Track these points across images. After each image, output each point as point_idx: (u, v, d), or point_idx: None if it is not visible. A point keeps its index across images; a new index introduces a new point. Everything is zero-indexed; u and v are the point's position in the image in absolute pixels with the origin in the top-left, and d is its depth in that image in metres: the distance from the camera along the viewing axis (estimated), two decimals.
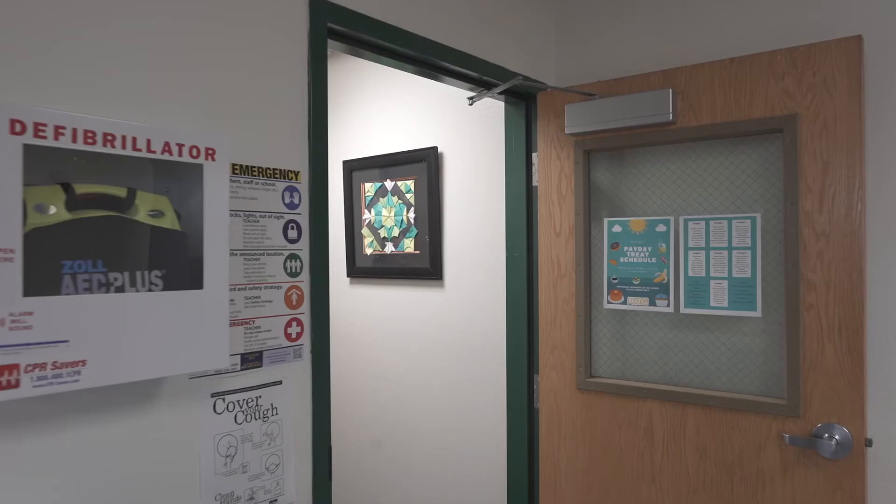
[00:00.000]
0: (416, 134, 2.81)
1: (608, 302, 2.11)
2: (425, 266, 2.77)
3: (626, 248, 2.07)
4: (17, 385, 0.89)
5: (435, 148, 2.72)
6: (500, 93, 2.17)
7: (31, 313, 0.91)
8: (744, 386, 1.88)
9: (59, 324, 0.93)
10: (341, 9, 1.58)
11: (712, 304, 1.90)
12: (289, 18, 1.48)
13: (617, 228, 2.09)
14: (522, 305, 2.33)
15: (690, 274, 1.94)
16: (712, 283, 1.90)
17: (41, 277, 0.92)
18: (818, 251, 1.73)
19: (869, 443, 1.66)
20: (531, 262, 2.31)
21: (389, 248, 2.89)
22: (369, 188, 2.97)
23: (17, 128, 0.89)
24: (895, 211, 1.73)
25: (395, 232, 2.87)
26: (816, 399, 1.72)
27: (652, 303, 2.01)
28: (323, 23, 1.54)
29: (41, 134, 0.92)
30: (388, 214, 2.89)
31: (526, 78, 2.15)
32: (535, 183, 2.30)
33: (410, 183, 2.81)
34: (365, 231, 2.99)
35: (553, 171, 2.21)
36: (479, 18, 2.02)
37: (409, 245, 2.82)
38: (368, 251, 2.98)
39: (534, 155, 2.30)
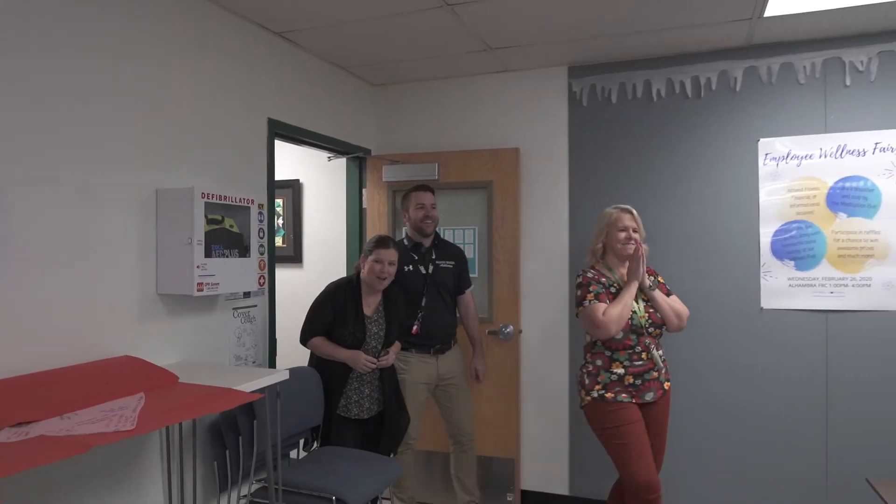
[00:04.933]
0: (284, 169, 4.39)
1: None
2: (290, 254, 4.36)
3: None
4: (203, 290, 2.42)
5: (298, 179, 4.33)
6: (349, 158, 3.89)
7: (206, 264, 2.43)
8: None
9: (213, 268, 2.46)
10: (281, 122, 3.18)
11: None
12: (259, 131, 3.05)
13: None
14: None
15: None
16: None
17: (208, 250, 2.44)
18: (502, 245, 3.72)
19: (521, 332, 3.70)
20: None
21: None
22: None
23: (201, 195, 2.42)
24: (532, 229, 3.78)
25: None
26: (500, 313, 3.72)
27: None
28: (273, 131, 3.13)
29: (206, 197, 2.44)
30: None
31: (364, 151, 3.90)
32: (364, 206, 4.04)
33: (281, 201, 4.38)
34: None
35: (374, 200, 3.98)
36: (338, 118, 3.72)
37: (279, 241, 4.39)
38: None
39: (363, 190, 4.04)
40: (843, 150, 3.20)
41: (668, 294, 2.89)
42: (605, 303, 2.73)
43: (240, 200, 2.64)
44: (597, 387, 2.76)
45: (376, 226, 3.98)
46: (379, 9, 2.83)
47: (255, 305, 3.03)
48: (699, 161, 3.45)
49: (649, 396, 2.77)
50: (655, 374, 2.77)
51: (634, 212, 2.89)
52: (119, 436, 1.58)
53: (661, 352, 2.81)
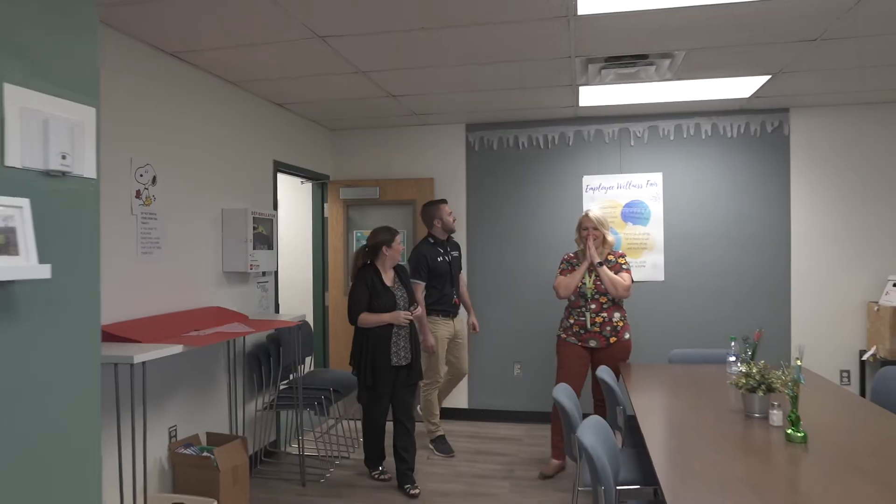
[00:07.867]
0: None
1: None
2: None
3: (360, 241, 5.65)
4: (252, 269, 4.07)
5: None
6: (315, 182, 5.60)
7: (254, 254, 4.09)
8: None
9: (257, 256, 4.12)
10: (279, 162, 4.86)
11: None
12: (267, 167, 4.72)
13: (359, 235, 5.67)
14: (320, 265, 5.76)
15: None
16: None
17: (254, 246, 4.10)
18: None
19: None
20: (324, 249, 5.75)
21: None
22: None
23: (251, 214, 4.08)
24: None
25: None
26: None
27: None
28: (276, 167, 4.81)
29: (254, 214, 4.11)
30: None
31: (327, 178, 5.62)
32: (326, 215, 5.75)
33: None
34: None
35: (334, 212, 5.70)
36: (309, 154, 5.42)
37: None
38: None
39: (325, 204, 5.75)
40: (629, 184, 5.27)
41: (617, 272, 3.92)
42: (565, 276, 4.03)
43: (267, 215, 4.32)
44: (560, 328, 4.09)
45: (335, 230, 5.70)
46: (349, 94, 4.58)
47: (268, 281, 4.69)
48: (546, 188, 5.43)
49: (593, 343, 3.92)
50: (597, 329, 3.89)
51: (591, 214, 4.01)
52: (250, 332, 3.28)
53: (605, 314, 3.90)
